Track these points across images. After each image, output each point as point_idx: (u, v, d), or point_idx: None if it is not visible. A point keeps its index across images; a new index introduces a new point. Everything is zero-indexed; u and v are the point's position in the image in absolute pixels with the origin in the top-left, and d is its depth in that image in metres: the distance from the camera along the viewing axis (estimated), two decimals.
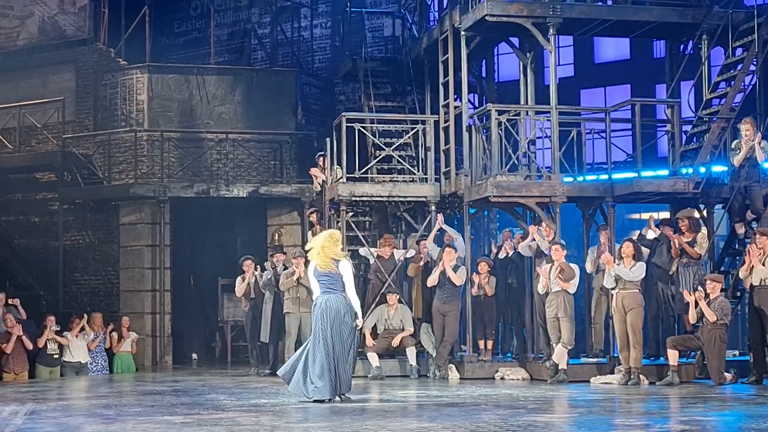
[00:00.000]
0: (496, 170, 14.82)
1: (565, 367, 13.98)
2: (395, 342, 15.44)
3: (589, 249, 15.46)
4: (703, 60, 15.92)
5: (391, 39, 21.76)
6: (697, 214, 15.01)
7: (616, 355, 14.13)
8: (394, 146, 16.84)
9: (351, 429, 8.68)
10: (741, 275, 13.68)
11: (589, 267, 15.32)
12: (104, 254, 20.86)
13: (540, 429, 8.61)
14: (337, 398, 11.07)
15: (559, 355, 13.96)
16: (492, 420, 9.22)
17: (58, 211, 20.93)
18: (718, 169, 15.24)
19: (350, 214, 16.69)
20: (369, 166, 16.74)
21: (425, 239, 15.97)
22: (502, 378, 14.71)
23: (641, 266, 13.73)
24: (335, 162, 16.48)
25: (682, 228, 14.55)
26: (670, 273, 14.74)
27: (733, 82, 15.27)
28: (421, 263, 15.86)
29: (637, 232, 16.59)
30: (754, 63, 15.18)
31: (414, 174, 16.65)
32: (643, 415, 10.05)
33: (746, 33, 15.42)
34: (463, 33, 15.83)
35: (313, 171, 17.53)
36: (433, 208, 16.08)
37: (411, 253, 16.18)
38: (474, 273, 15.45)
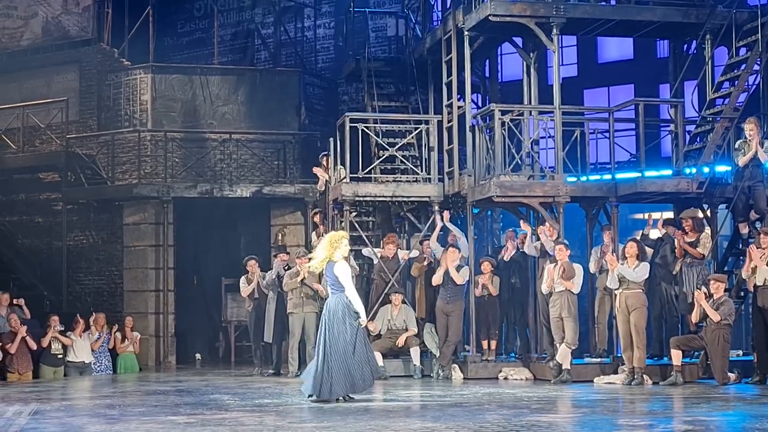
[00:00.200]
0: (500, 170, 14.82)
1: (569, 367, 13.97)
2: (399, 342, 15.45)
3: (593, 249, 15.46)
4: (707, 60, 15.90)
5: (394, 39, 21.74)
6: (700, 214, 15.01)
7: (619, 355, 14.12)
8: (397, 146, 16.84)
9: (354, 429, 8.68)
10: (744, 276, 13.67)
11: (592, 267, 15.32)
12: (108, 254, 20.88)
13: (543, 429, 8.61)
14: (341, 399, 11.12)
15: (563, 355, 13.96)
16: (495, 420, 9.23)
17: (62, 212, 20.94)
18: (721, 169, 15.23)
19: (354, 214, 16.69)
20: (372, 166, 16.75)
21: (428, 239, 15.97)
22: (505, 378, 14.71)
23: (645, 266, 13.72)
24: (339, 162, 16.48)
25: (686, 228, 14.55)
26: (674, 273, 14.74)
27: (736, 82, 15.26)
28: (425, 263, 15.87)
29: (640, 232, 16.59)
30: (758, 63, 15.17)
31: (417, 174, 16.65)
32: (647, 415, 10.04)
33: (750, 33, 15.41)
34: (466, 33, 15.83)
35: (316, 169, 17.54)
36: (436, 207, 16.07)
37: (414, 253, 16.17)
38: (478, 275, 15.45)
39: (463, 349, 15.81)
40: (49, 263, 21.21)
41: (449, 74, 16.44)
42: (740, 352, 15.48)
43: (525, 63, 16.45)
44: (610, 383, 13.70)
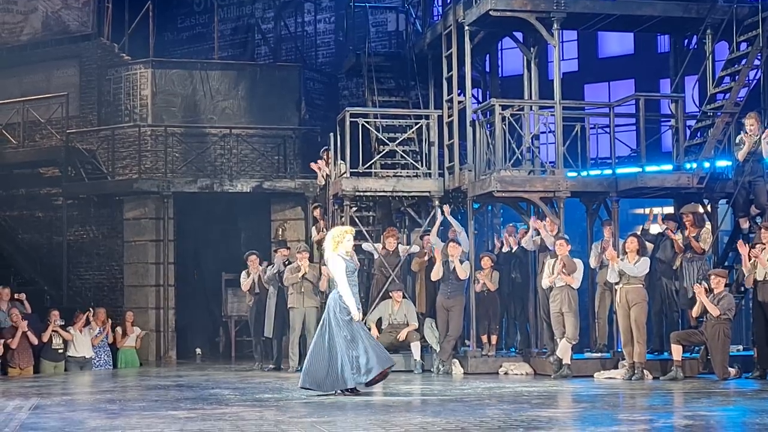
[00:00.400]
0: (500, 165, 14.81)
1: (569, 362, 13.98)
2: (400, 337, 15.45)
3: (593, 244, 15.46)
4: (707, 55, 15.88)
5: (394, 34, 21.74)
6: (701, 209, 15.00)
7: (619, 350, 14.12)
8: (397, 141, 16.82)
9: (354, 423, 8.68)
10: (745, 272, 13.67)
11: (592, 262, 15.32)
12: (108, 249, 20.88)
13: (544, 424, 8.61)
14: (338, 391, 11.24)
15: (563, 350, 13.96)
16: (496, 415, 9.22)
17: (62, 207, 20.94)
18: (722, 164, 15.22)
19: (354, 209, 16.68)
20: (373, 161, 16.75)
21: (429, 234, 15.97)
22: (506, 373, 14.71)
23: (645, 261, 13.71)
24: (339, 157, 16.47)
25: (686, 223, 14.54)
26: (674, 268, 14.74)
27: (737, 77, 15.25)
28: (425, 258, 15.86)
29: (640, 227, 16.58)
30: (759, 58, 15.16)
31: (418, 169, 16.64)
32: (647, 410, 10.04)
33: (751, 27, 15.40)
34: (466, 28, 15.82)
35: (314, 165, 17.53)
36: (437, 202, 16.07)
37: (415, 248, 16.17)
38: (477, 270, 15.45)
39: (464, 344, 15.82)
40: (49, 258, 21.21)
41: (449, 69, 16.43)
42: (741, 347, 15.49)
43: (525, 58, 16.44)
44: (610, 378, 13.70)
